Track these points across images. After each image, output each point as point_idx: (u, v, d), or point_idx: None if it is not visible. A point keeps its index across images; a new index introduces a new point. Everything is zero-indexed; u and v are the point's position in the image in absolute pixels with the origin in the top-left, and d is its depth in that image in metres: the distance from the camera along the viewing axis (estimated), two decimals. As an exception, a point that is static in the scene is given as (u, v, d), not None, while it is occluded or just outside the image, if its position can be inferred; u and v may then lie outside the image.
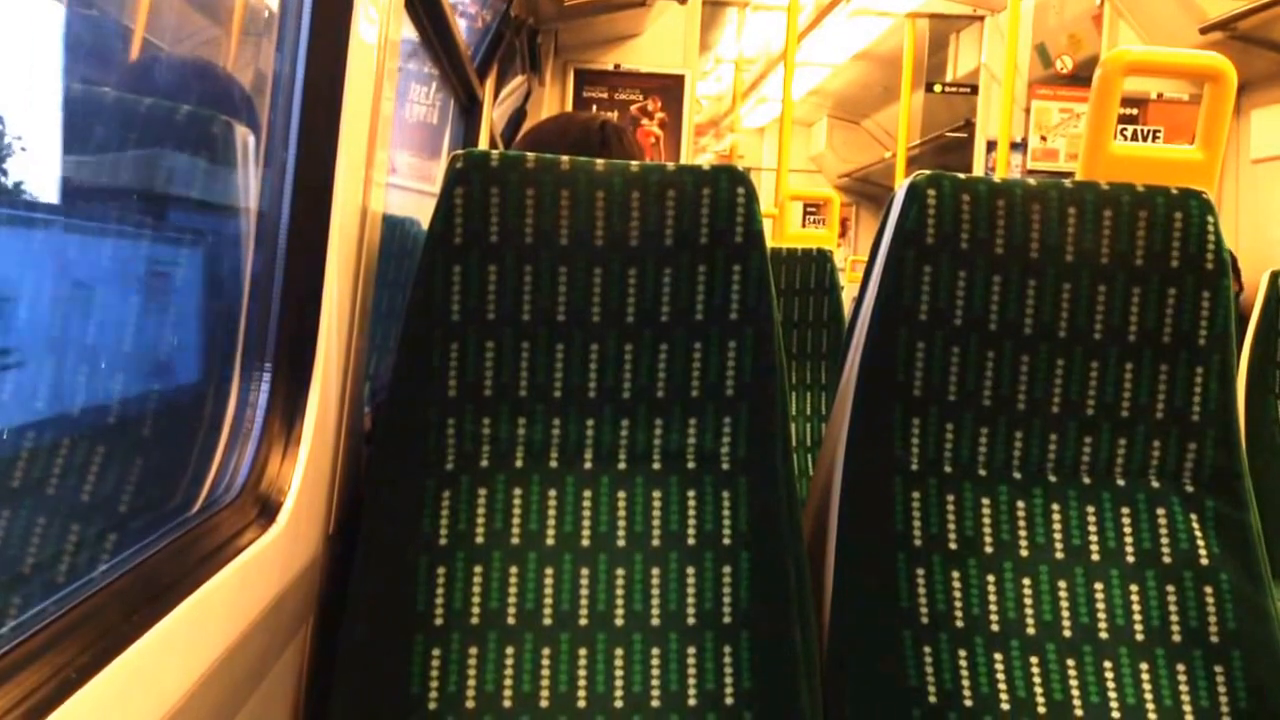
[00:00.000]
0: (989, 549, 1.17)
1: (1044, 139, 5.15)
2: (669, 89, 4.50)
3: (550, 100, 4.39)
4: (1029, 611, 1.15)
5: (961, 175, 1.19)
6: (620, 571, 1.10)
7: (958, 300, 1.17)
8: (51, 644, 0.57)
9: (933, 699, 1.12)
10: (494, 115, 2.92)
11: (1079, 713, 1.11)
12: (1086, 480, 1.19)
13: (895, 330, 1.17)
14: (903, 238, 1.17)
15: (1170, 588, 1.16)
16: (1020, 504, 1.18)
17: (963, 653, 1.13)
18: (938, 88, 6.88)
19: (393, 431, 1.11)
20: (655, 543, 1.12)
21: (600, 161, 1.13)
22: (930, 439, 1.18)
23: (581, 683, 1.07)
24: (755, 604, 1.10)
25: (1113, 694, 1.12)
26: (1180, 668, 1.13)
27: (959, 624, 1.14)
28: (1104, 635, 1.14)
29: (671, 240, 1.13)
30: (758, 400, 1.14)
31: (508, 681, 1.06)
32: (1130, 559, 1.17)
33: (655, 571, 1.11)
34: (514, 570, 1.09)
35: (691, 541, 1.12)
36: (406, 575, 1.07)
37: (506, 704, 1.05)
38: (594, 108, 4.42)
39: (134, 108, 0.99)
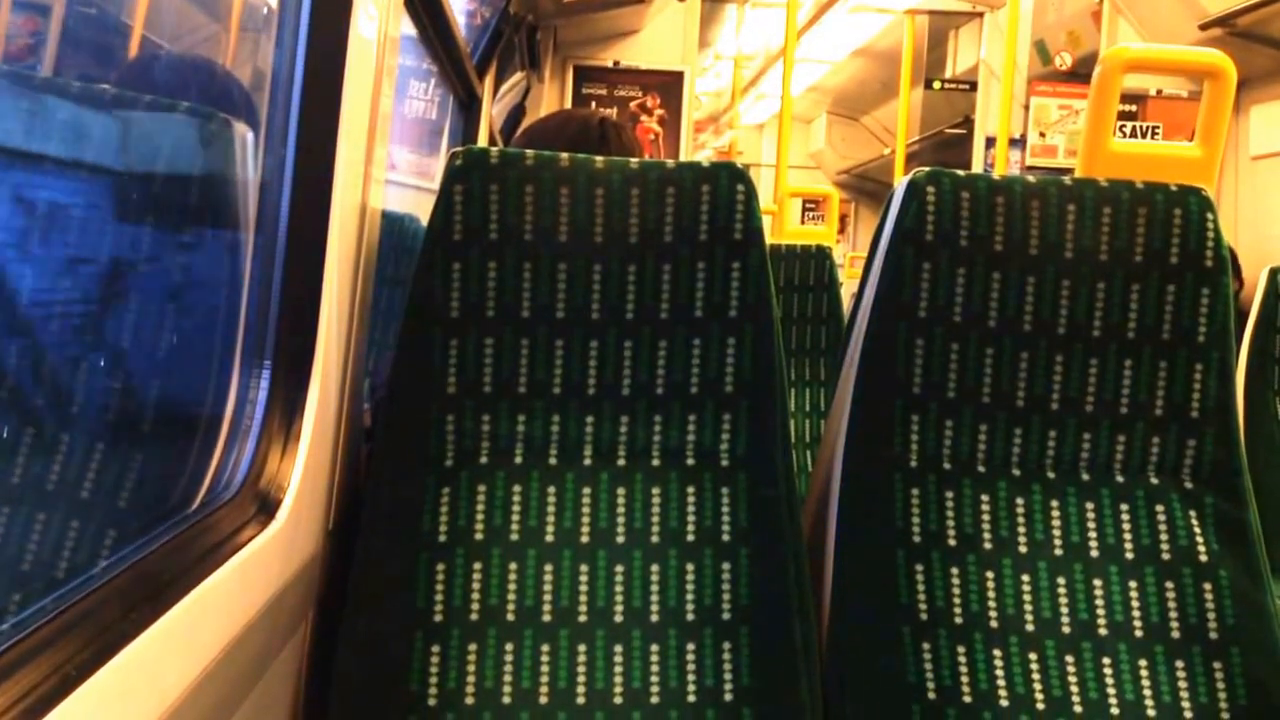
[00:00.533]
0: (988, 545, 1.17)
1: (1043, 135, 5.15)
2: (668, 85, 4.50)
3: (549, 97, 4.38)
4: (1028, 608, 1.15)
5: (961, 172, 1.19)
6: (620, 568, 1.11)
7: (957, 297, 1.17)
8: (51, 641, 0.57)
9: (932, 695, 1.12)
10: (493, 112, 2.91)
11: (1078, 709, 1.11)
12: (1086, 477, 1.19)
13: (894, 327, 1.17)
14: (902, 234, 1.17)
15: (1169, 584, 1.16)
16: (1019, 500, 1.18)
17: (962, 649, 1.13)
18: (937, 84, 6.87)
19: (392, 428, 1.11)
20: (655, 539, 1.12)
21: (599, 158, 1.13)
22: (929, 435, 1.18)
23: (581, 679, 1.07)
24: (754, 600, 1.10)
25: (1111, 690, 1.12)
26: (1179, 664, 1.13)
27: (958, 620, 1.14)
28: (1103, 631, 1.14)
29: (671, 237, 1.13)
30: (757, 397, 1.14)
31: (507, 677, 1.06)
32: (1129, 555, 1.17)
33: (655, 568, 1.11)
34: (513, 566, 1.09)
35: (691, 538, 1.12)
36: (406, 572, 1.07)
37: (506, 700, 1.05)
38: (593, 104, 4.41)
39: (133, 104, 0.99)
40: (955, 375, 1.18)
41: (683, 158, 4.08)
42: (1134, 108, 4.82)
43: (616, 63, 4.49)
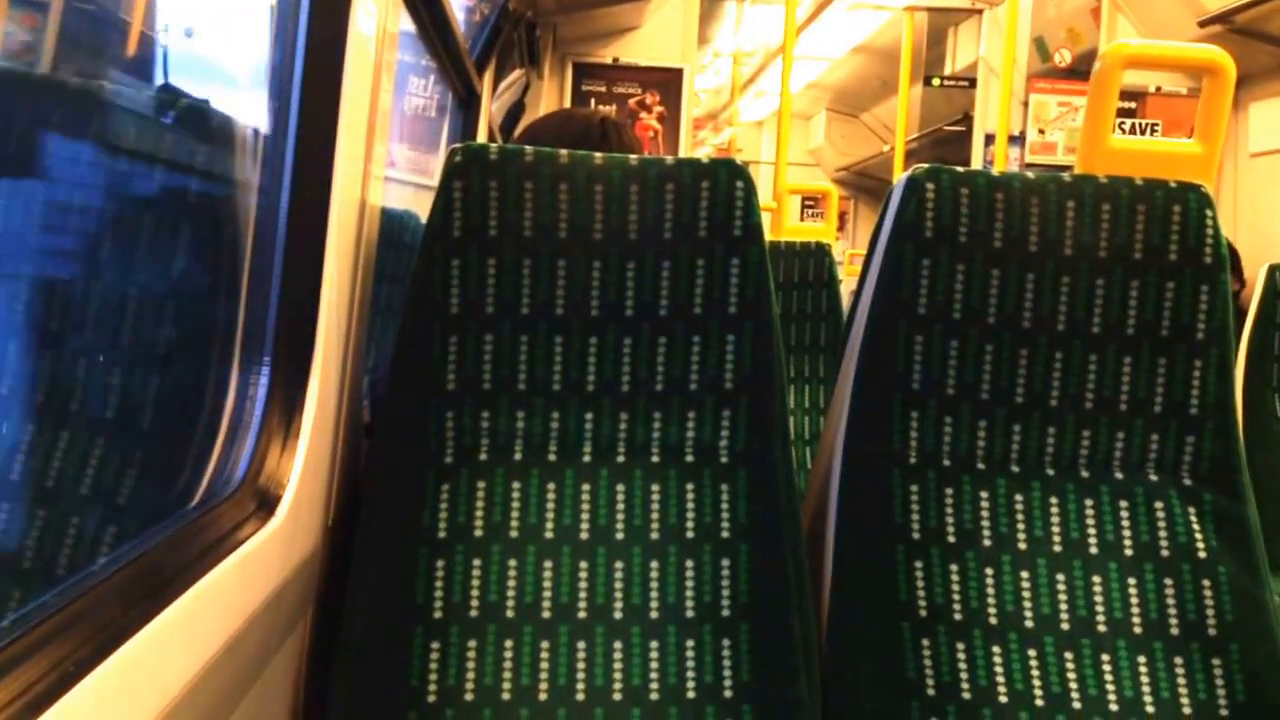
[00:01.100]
0: (987, 542, 1.17)
1: (1042, 132, 5.14)
2: (667, 82, 4.49)
3: (549, 94, 4.38)
4: (1027, 604, 1.15)
5: (960, 169, 1.19)
6: (619, 564, 1.11)
7: (956, 294, 1.17)
8: (51, 637, 0.57)
9: (931, 692, 1.12)
10: (492, 109, 2.91)
11: (1077, 705, 1.11)
12: (1085, 473, 1.19)
13: (894, 323, 1.17)
14: (901, 231, 1.17)
15: (1168, 581, 1.16)
16: (1019, 497, 1.18)
17: (961, 646, 1.13)
18: (936, 81, 6.86)
19: (392, 424, 1.11)
20: (654, 536, 1.12)
21: (599, 155, 1.13)
22: (928, 432, 1.18)
23: (580, 675, 1.07)
24: (754, 597, 1.10)
25: (1110, 686, 1.12)
26: (1178, 660, 1.13)
27: (957, 617, 1.14)
28: (1102, 628, 1.14)
29: (670, 233, 1.13)
30: (756, 393, 1.14)
31: (506, 674, 1.06)
32: (1128, 552, 1.17)
33: (654, 564, 1.11)
34: (513, 563, 1.09)
35: (690, 534, 1.12)
36: (406, 568, 1.07)
37: (505, 696, 1.05)
38: (592, 101, 4.41)
39: (131, 97, 0.99)
40: (954, 372, 1.18)
41: (682, 155, 4.08)
42: (1133, 105, 4.82)
43: (616, 60, 4.49)
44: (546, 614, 1.08)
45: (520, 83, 3.64)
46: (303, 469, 0.93)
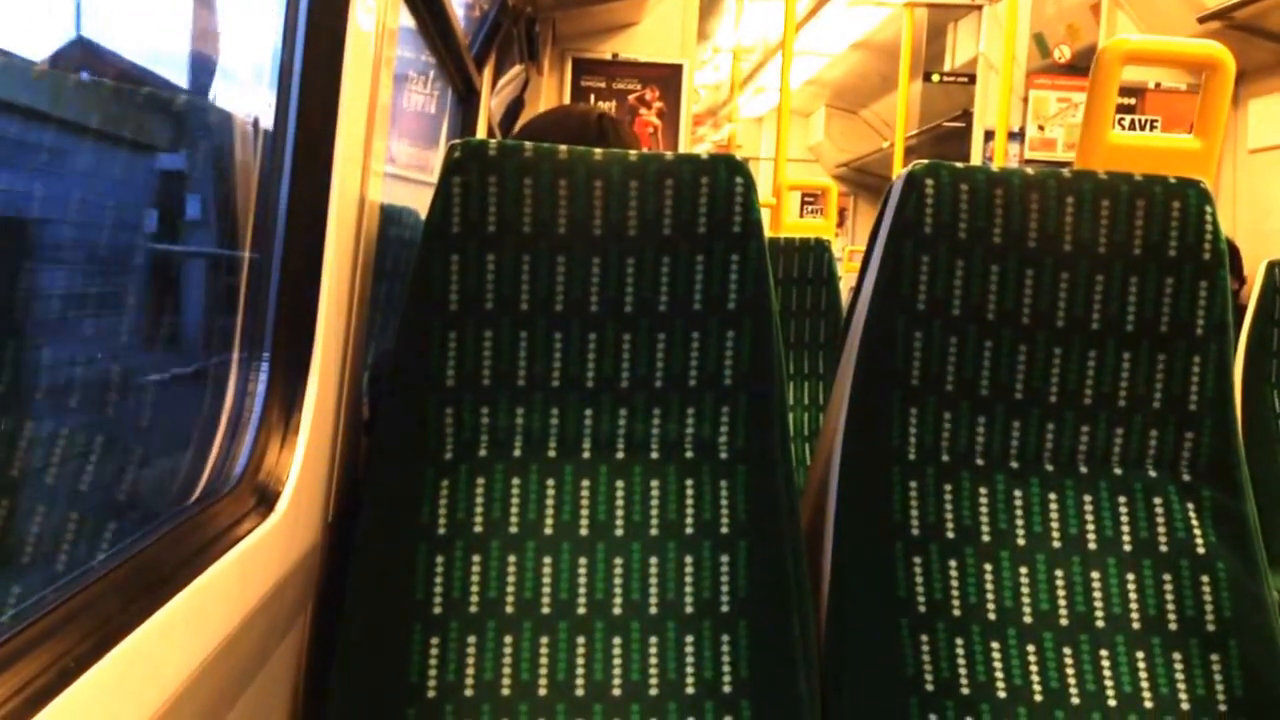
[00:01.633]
0: (986, 538, 1.17)
1: (1041, 128, 5.14)
2: (667, 78, 4.48)
3: (548, 90, 4.37)
4: (1026, 600, 1.15)
5: (959, 165, 1.19)
6: (618, 560, 1.11)
7: (955, 290, 1.17)
8: (50, 633, 0.57)
9: (930, 687, 1.12)
10: (491, 104, 2.91)
11: (1075, 701, 1.11)
12: (1084, 469, 1.20)
13: (893, 320, 1.17)
14: (901, 227, 1.17)
15: (1167, 576, 1.16)
16: (1017, 493, 1.18)
17: (960, 641, 1.14)
18: (935, 77, 6.86)
19: (391, 420, 1.11)
20: (653, 532, 1.12)
21: (598, 150, 1.13)
22: (928, 428, 1.18)
23: (580, 671, 1.07)
24: (753, 593, 1.10)
25: (1109, 682, 1.12)
26: (1177, 656, 1.14)
27: (956, 613, 1.14)
28: (1101, 624, 1.14)
29: (670, 229, 1.13)
30: (756, 389, 1.14)
31: (506, 670, 1.06)
32: (1127, 548, 1.17)
33: (653, 560, 1.11)
34: (512, 559, 1.09)
35: (690, 530, 1.12)
36: (405, 564, 1.07)
37: (505, 692, 1.05)
38: (592, 97, 4.40)
39: (130, 95, 0.99)
40: (954, 368, 1.18)
41: (682, 151, 4.08)
42: (1132, 101, 4.82)
43: (615, 55, 4.48)
44: (546, 610, 1.08)
45: (519, 78, 3.63)
46: (302, 465, 0.93)
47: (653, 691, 1.07)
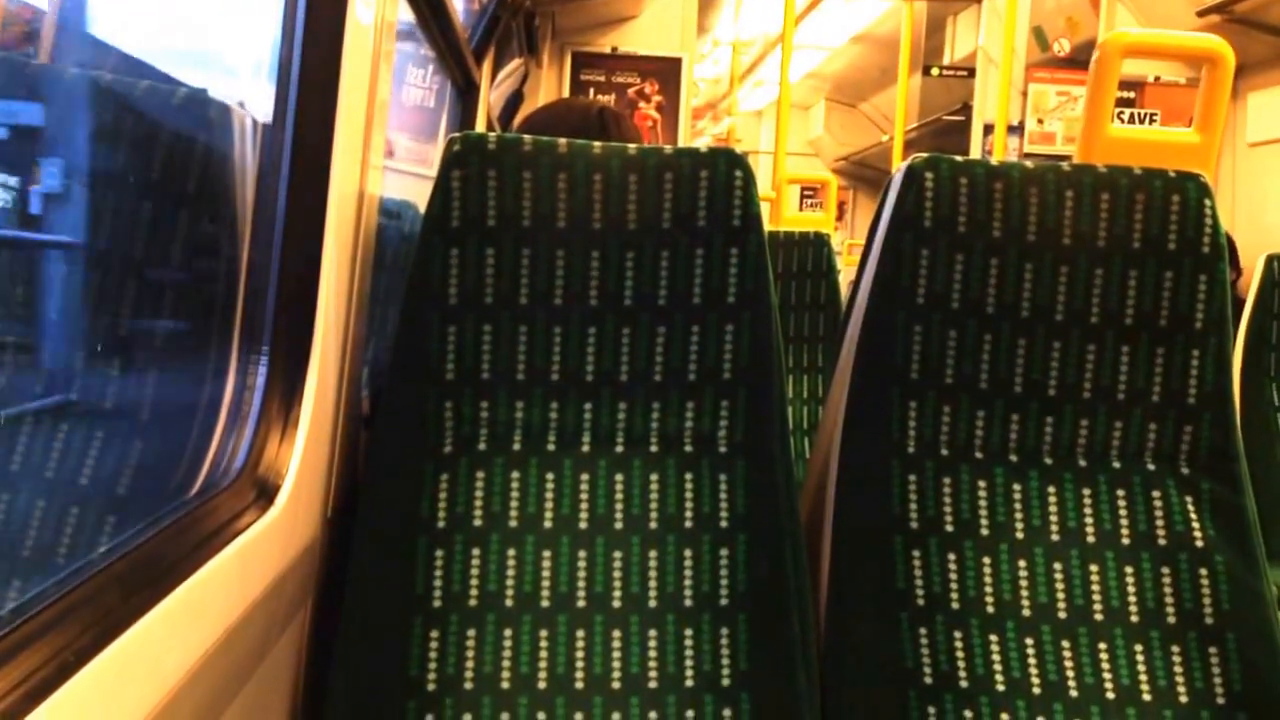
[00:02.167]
0: (985, 531, 1.17)
1: (1041, 122, 5.14)
2: (666, 72, 4.48)
3: (547, 83, 4.37)
4: (1024, 593, 1.15)
5: (959, 158, 1.19)
6: (618, 554, 1.11)
7: (955, 283, 1.17)
8: (50, 627, 0.57)
9: (928, 680, 1.12)
10: (491, 98, 2.91)
11: (1074, 694, 1.12)
12: (1083, 463, 1.20)
13: (892, 313, 1.18)
14: (900, 221, 1.17)
15: (1165, 570, 1.16)
16: (1016, 486, 1.19)
17: (958, 634, 1.14)
18: (935, 71, 6.85)
19: (391, 414, 1.11)
20: (653, 525, 1.12)
21: (598, 144, 1.13)
22: (927, 422, 1.18)
23: (579, 664, 1.07)
24: (752, 586, 1.10)
25: (1107, 675, 1.13)
26: (1175, 649, 1.14)
27: (955, 606, 1.15)
28: (1099, 617, 1.15)
29: (669, 223, 1.12)
30: (755, 383, 1.14)
31: (506, 663, 1.06)
32: (1126, 541, 1.17)
33: (653, 554, 1.11)
34: (512, 553, 1.09)
35: (689, 524, 1.12)
36: (405, 558, 1.07)
37: (505, 686, 1.05)
38: (591, 91, 4.40)
39: (130, 89, 0.99)
40: (953, 361, 1.18)
41: (681, 144, 4.07)
42: (1132, 94, 4.81)
43: (614, 49, 4.47)
44: (545, 603, 1.08)
45: (519, 72, 3.63)
46: (302, 458, 0.93)
47: (652, 684, 1.07)
